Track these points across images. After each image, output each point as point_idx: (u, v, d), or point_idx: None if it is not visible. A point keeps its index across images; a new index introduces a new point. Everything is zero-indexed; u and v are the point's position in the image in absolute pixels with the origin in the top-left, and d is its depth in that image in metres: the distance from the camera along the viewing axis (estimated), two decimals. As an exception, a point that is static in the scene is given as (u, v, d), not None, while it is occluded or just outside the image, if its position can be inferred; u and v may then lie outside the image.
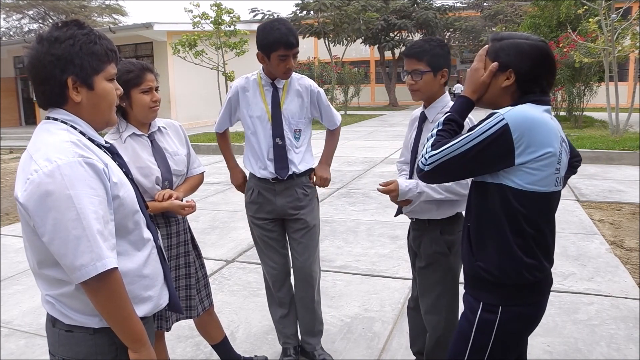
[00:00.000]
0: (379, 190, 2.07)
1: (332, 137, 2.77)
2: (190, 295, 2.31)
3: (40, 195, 1.17)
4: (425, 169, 1.47)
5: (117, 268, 1.23)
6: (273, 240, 2.59)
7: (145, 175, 2.10)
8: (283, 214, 2.54)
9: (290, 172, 2.48)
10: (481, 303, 1.52)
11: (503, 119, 1.39)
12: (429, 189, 2.02)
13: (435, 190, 2.02)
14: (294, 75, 2.54)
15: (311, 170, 2.61)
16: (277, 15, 22.33)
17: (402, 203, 2.11)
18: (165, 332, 2.32)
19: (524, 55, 1.48)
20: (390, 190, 2.03)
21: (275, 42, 2.29)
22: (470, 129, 1.45)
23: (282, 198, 2.51)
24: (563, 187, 1.57)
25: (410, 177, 2.19)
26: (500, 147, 1.39)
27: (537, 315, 1.57)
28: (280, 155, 2.46)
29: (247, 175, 2.67)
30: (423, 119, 2.16)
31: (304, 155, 2.54)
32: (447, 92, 2.15)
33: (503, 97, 1.53)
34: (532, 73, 1.48)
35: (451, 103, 2.17)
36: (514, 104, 1.48)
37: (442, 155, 1.44)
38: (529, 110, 1.42)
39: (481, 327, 1.51)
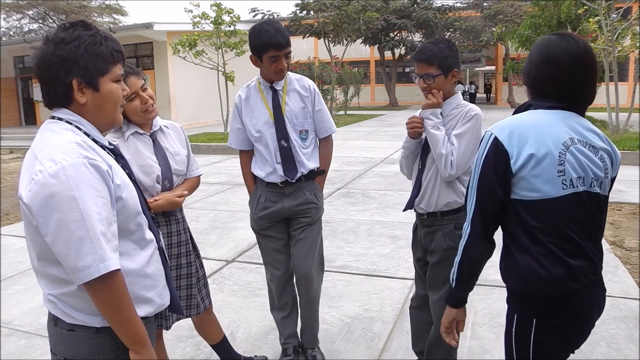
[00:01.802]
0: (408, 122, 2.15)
1: (324, 147, 2.60)
2: (192, 294, 2.31)
3: (45, 196, 1.17)
4: (470, 227, 1.50)
5: (119, 270, 1.23)
6: (278, 240, 2.60)
7: (146, 173, 2.12)
8: (289, 214, 2.55)
9: (299, 174, 2.47)
10: (515, 315, 1.51)
11: (491, 134, 1.45)
12: (436, 130, 2.08)
13: (442, 138, 2.07)
14: (294, 76, 2.53)
15: (318, 171, 2.57)
16: (277, 16, 22.29)
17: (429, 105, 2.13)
18: (165, 332, 2.32)
19: (532, 50, 1.53)
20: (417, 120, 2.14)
21: (265, 44, 2.29)
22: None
23: (290, 200, 2.51)
24: (608, 192, 1.51)
25: (419, 180, 2.21)
26: (497, 158, 1.42)
27: (574, 329, 1.49)
28: (287, 157, 2.45)
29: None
30: None
31: (312, 155, 2.53)
32: (459, 92, 2.19)
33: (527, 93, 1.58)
34: (530, 70, 1.52)
35: (463, 101, 2.18)
36: (522, 105, 1.54)
37: (470, 201, 1.49)
38: (514, 118, 1.47)
39: (519, 338, 1.50)
